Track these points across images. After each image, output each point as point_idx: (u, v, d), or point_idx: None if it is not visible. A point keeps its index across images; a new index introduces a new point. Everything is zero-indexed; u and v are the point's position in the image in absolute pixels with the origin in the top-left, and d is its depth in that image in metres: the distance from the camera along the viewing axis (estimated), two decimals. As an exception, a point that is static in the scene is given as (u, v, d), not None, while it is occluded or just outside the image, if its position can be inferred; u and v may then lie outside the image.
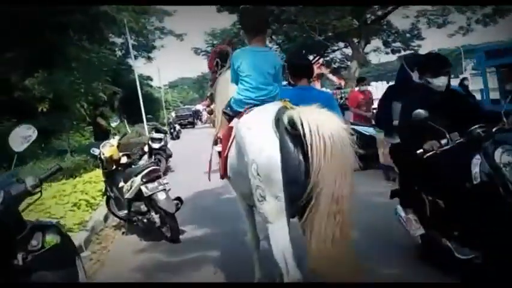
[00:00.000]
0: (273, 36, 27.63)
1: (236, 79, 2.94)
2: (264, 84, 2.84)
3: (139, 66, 40.93)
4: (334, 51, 29.08)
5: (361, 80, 9.03)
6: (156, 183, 4.64)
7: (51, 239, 2.33)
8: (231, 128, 2.87)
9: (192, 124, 33.07)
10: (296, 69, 3.47)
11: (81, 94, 14.02)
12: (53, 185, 8.12)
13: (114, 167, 5.40)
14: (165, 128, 17.71)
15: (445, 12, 19.52)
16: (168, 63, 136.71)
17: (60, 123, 14.48)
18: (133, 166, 5.36)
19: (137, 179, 4.66)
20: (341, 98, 15.13)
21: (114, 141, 5.62)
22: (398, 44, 25.01)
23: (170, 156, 10.89)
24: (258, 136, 2.50)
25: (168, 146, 11.66)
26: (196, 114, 34.63)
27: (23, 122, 14.29)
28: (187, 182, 8.53)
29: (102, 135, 9.85)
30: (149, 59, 38.68)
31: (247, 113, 2.76)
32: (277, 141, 2.40)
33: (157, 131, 11.07)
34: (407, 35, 24.15)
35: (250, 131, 2.56)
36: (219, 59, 3.38)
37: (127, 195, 4.83)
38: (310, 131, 2.27)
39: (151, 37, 37.85)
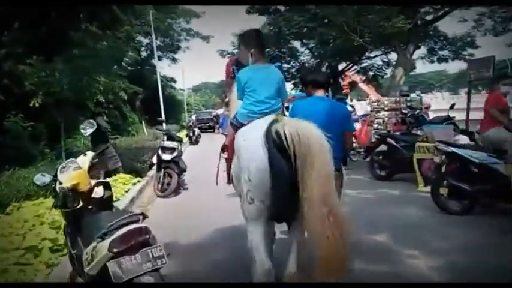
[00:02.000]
0: (304, 41, 25.43)
1: (242, 96, 3.25)
2: (267, 98, 3.16)
3: (164, 68, 40.00)
4: (370, 58, 26.45)
5: (504, 76, 6.20)
6: (138, 259, 2.25)
7: None
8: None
9: (213, 128, 32.32)
10: (315, 83, 3.63)
11: (96, 89, 11.97)
12: (23, 205, 5.89)
13: (81, 204, 3.09)
14: (181, 134, 15.56)
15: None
16: (193, 66, 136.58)
17: (73, 121, 12.48)
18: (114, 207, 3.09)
19: (102, 246, 2.32)
20: (410, 107, 12.01)
21: (84, 160, 3.32)
22: (446, 52, 22.35)
23: (184, 171, 8.64)
24: (251, 147, 2.90)
25: (188, 149, 9.45)
26: (217, 119, 33.35)
27: (30, 117, 12.37)
28: (202, 206, 6.68)
29: (101, 139, 7.75)
30: (174, 60, 37.69)
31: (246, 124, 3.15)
32: (266, 152, 2.76)
33: (170, 138, 8.81)
34: (459, 42, 21.40)
35: (245, 142, 2.99)
36: (236, 66, 3.55)
37: (87, 269, 2.52)
38: (293, 142, 2.64)
39: (178, 37, 36.83)
